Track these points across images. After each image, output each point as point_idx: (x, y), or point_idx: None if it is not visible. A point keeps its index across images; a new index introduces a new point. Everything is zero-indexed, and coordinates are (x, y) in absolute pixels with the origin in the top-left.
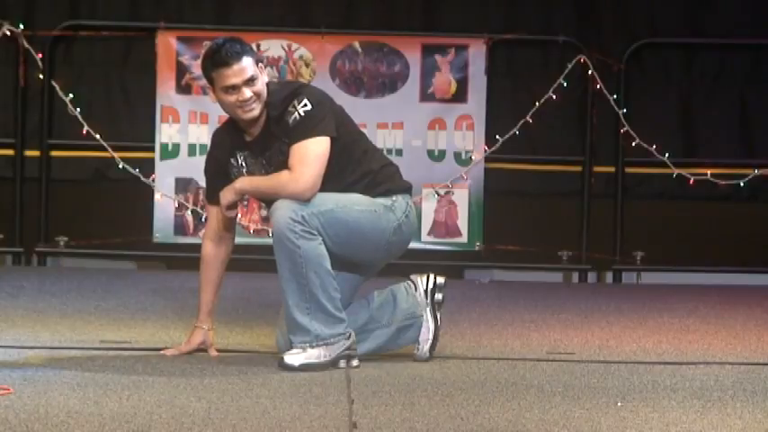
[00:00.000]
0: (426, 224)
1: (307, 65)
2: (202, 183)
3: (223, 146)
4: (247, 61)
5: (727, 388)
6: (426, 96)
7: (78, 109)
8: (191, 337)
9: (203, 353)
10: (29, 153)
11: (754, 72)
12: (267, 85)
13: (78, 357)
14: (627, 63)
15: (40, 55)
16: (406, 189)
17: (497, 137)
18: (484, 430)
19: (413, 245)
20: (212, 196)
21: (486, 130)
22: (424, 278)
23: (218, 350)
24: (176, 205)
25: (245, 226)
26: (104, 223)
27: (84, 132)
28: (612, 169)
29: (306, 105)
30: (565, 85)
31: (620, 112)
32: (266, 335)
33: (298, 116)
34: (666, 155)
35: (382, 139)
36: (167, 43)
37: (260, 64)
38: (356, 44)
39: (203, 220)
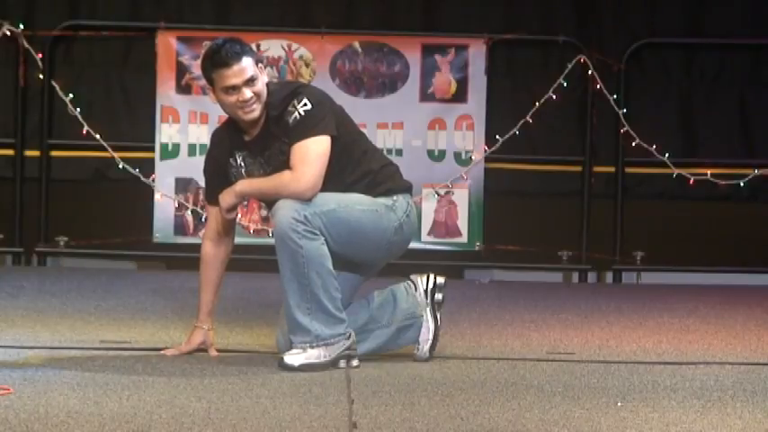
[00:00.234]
0: (426, 224)
1: (307, 65)
2: (202, 183)
3: (222, 146)
4: (247, 61)
5: (727, 388)
6: (426, 96)
7: (78, 109)
8: (191, 337)
9: (203, 353)
10: (29, 153)
11: (754, 72)
12: (267, 85)
13: (78, 357)
14: (627, 63)
15: (40, 55)
16: (407, 189)
17: (497, 137)
18: (484, 430)
19: (413, 245)
20: (212, 196)
21: (486, 130)
22: (424, 278)
23: (218, 350)
24: (176, 205)
25: (245, 226)
26: (104, 223)
27: (84, 132)
28: (612, 169)
29: (306, 105)
30: (565, 85)
31: (620, 112)
32: (266, 335)
33: (298, 116)
34: (666, 155)
35: (382, 139)
36: (167, 43)
37: (260, 64)
38: (356, 44)
39: (203, 220)
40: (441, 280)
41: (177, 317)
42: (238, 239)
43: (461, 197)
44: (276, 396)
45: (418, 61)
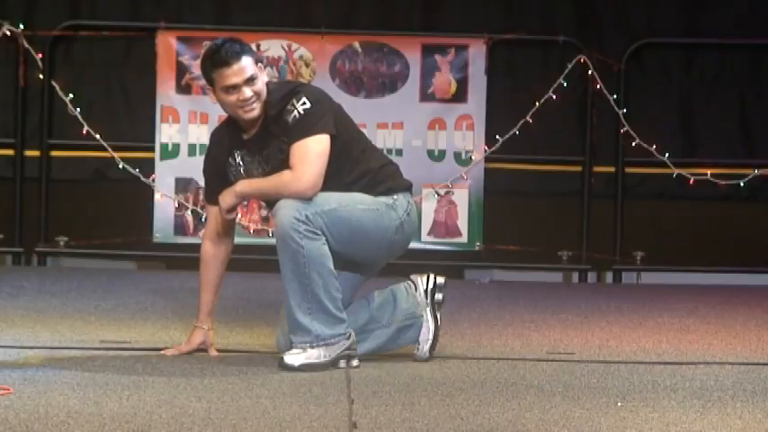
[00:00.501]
0: (426, 224)
1: (307, 65)
2: (202, 183)
3: (221, 145)
4: (247, 61)
5: (727, 388)
6: (426, 96)
7: (78, 109)
8: (191, 337)
9: (203, 353)
10: (29, 153)
11: (754, 72)
12: (266, 84)
13: (78, 357)
14: (627, 63)
15: (40, 55)
16: (407, 188)
17: (497, 137)
18: (484, 430)
19: (413, 245)
20: (211, 196)
21: (486, 130)
22: (424, 278)
23: (218, 350)
24: (176, 205)
25: (245, 226)
26: (104, 223)
27: (84, 132)
28: (612, 169)
29: (305, 104)
30: (565, 85)
31: (620, 112)
32: (266, 335)
33: (297, 114)
34: (666, 155)
35: (382, 139)
36: (167, 43)
37: (260, 64)
38: (356, 44)
39: (203, 220)
40: (441, 280)
41: (177, 317)
42: (238, 239)
43: (461, 197)
44: (276, 396)
45: (418, 61)
